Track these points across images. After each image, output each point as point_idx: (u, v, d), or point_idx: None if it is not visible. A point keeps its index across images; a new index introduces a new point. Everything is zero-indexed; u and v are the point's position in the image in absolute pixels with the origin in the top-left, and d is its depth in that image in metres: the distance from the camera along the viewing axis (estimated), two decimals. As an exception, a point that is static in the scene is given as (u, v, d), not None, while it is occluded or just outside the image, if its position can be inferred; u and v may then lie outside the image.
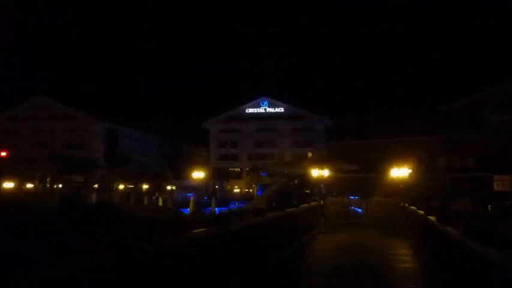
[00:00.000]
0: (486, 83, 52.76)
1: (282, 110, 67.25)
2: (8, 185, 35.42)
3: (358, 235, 16.50)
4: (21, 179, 41.68)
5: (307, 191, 30.86)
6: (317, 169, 19.15)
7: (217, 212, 27.60)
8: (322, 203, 18.66)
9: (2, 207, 22.52)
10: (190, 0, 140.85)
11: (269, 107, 67.67)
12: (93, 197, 38.93)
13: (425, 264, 9.48)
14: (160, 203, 35.56)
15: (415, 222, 12.75)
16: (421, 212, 10.86)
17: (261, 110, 67.94)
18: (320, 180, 19.70)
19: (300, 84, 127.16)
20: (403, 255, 11.63)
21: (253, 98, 68.75)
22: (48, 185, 44.73)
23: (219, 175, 59.47)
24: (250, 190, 57.54)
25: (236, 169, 66.62)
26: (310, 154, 56.07)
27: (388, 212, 20.29)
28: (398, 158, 20.61)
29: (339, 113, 59.37)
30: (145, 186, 48.27)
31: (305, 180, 27.65)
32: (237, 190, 63.99)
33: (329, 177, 20.16)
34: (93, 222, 17.28)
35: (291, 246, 11.34)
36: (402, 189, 18.79)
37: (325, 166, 19.59)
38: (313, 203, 17.32)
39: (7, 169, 37.40)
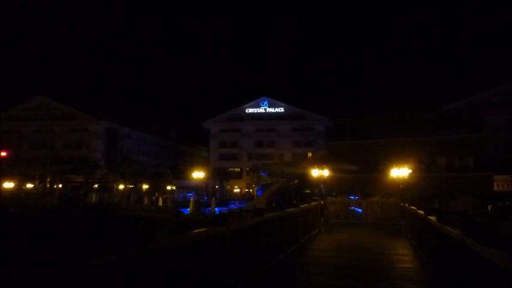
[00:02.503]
0: (486, 83, 52.76)
1: (282, 110, 67.22)
2: (8, 185, 35.40)
3: (358, 235, 16.50)
4: (21, 179, 41.66)
5: (307, 191, 30.86)
6: (317, 169, 19.15)
7: (217, 212, 27.66)
8: (322, 203, 18.64)
9: (2, 207, 22.50)
10: (191, 0, 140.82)
11: (269, 107, 67.63)
12: (93, 197, 38.93)
13: (425, 264, 9.48)
14: (160, 203, 35.57)
15: (415, 222, 12.75)
16: (421, 212, 10.87)
17: (261, 110, 67.91)
18: (320, 180, 19.69)
19: (300, 84, 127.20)
20: (403, 255, 11.63)
21: (253, 98, 68.78)
22: (48, 185, 44.72)
23: (219, 175, 59.49)
24: (250, 190, 57.61)
25: (236, 169, 66.62)
26: (310, 154, 56.07)
27: (388, 212, 20.30)
28: (398, 158, 20.60)
29: (339, 113, 59.41)
30: (145, 186, 48.26)
31: (305, 180, 27.65)
32: (237, 190, 64.01)
33: (329, 177, 20.16)
34: (93, 222, 17.28)
35: (291, 246, 11.34)
36: (402, 189, 18.78)
37: (325, 166, 19.60)
38: (313, 203, 17.32)
39: (7, 169, 37.37)
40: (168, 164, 69.78)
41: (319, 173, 19.07)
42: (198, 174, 36.77)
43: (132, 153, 64.26)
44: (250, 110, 68.25)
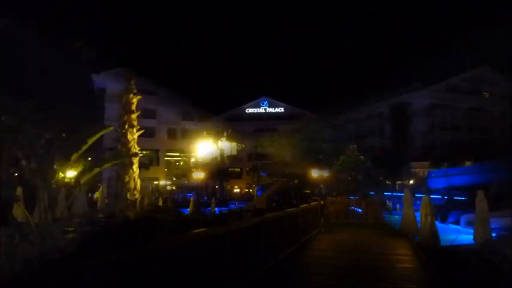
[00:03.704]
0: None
1: (282, 110, 67.18)
2: (8, 185, 35.35)
3: (358, 235, 16.48)
4: (21, 179, 41.60)
5: (307, 191, 30.83)
6: (317, 169, 19.16)
7: (217, 212, 27.62)
8: (322, 203, 18.64)
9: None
10: (191, 0, 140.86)
11: (269, 107, 67.59)
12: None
13: (425, 264, 9.48)
14: (160, 203, 35.51)
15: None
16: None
17: (261, 110, 67.86)
18: (320, 180, 19.69)
19: (300, 84, 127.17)
20: (403, 255, 11.62)
21: (253, 98, 68.71)
22: (48, 185, 44.63)
23: (219, 175, 59.38)
24: (250, 190, 57.61)
25: (236, 169, 66.55)
26: (310, 154, 55.94)
27: (388, 212, 20.30)
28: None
29: (339, 113, 59.40)
30: (145, 186, 48.18)
31: (305, 180, 27.65)
32: (237, 190, 64.01)
33: (329, 177, 20.16)
34: (93, 222, 17.25)
35: (291, 246, 11.34)
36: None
37: (325, 166, 19.61)
38: (313, 203, 17.32)
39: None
40: (168, 164, 69.69)
41: (319, 173, 19.09)
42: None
43: (132, 153, 64.17)
44: (250, 110, 68.19)
